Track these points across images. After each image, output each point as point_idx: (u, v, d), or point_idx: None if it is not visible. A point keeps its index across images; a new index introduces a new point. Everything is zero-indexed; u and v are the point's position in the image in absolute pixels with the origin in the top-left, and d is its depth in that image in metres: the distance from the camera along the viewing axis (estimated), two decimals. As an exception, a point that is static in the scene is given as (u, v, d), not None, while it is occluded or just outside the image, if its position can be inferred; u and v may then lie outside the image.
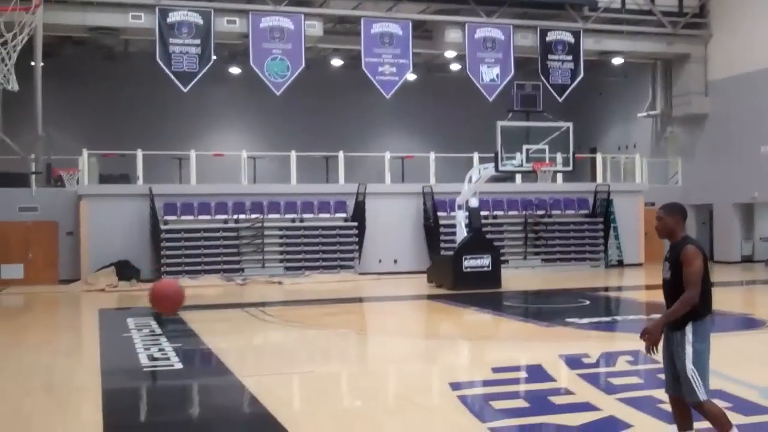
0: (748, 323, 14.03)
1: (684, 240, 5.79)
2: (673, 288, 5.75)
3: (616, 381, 8.95)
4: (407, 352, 12.26)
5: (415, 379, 9.79)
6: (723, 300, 18.60)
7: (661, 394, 7.93)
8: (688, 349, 5.67)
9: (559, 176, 26.31)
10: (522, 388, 9.04)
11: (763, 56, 25.69)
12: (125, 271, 22.68)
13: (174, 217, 23.73)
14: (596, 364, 10.10)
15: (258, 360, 11.61)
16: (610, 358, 10.58)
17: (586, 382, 8.84)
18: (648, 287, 22.29)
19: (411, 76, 27.28)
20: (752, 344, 11.79)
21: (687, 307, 5.62)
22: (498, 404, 7.89)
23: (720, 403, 7.49)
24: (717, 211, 28.33)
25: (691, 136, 29.51)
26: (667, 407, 7.42)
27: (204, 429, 7.73)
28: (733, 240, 28.04)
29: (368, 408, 8.31)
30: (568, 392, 8.39)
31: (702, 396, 5.65)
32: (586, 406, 7.62)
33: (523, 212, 26.46)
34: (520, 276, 24.24)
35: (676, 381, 5.80)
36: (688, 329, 5.69)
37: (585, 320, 14.28)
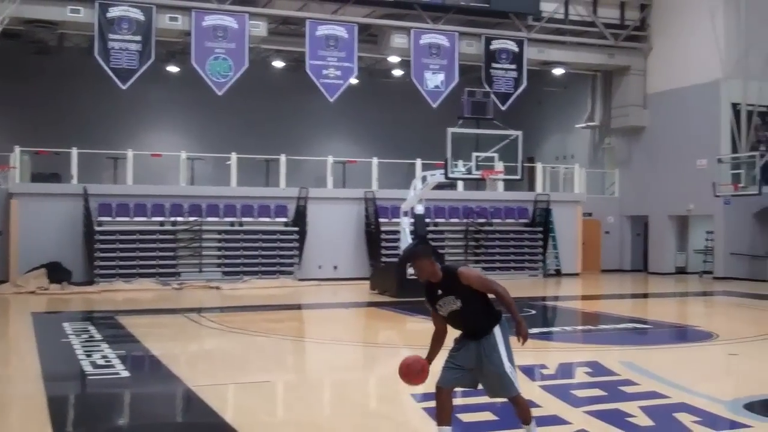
0: (697, 335, 14.13)
1: (447, 269, 5.98)
2: (466, 313, 5.97)
3: (579, 393, 8.85)
4: (363, 360, 12.13)
5: (375, 389, 9.56)
6: (664, 312, 18.89)
7: (628, 407, 7.91)
8: (501, 348, 5.99)
9: (500, 185, 26.39)
10: (486, 399, 8.82)
11: (701, 70, 26.18)
12: (56, 273, 21.84)
13: (109, 218, 23.04)
14: (555, 376, 10.02)
15: (207, 368, 11.22)
16: (567, 369, 10.50)
17: (549, 394, 8.69)
18: (584, 297, 22.54)
19: (355, 80, 27.04)
20: (706, 357, 11.84)
21: (513, 303, 6.03)
22: (465, 417, 7.68)
23: (687, 417, 7.50)
24: (652, 223, 28.77)
25: (628, 147, 29.94)
26: (636, 420, 7.41)
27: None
28: (667, 251, 28.50)
29: (331, 419, 8.05)
30: (533, 404, 8.16)
31: (519, 389, 6.06)
32: (555, 420, 7.50)
33: (464, 220, 26.46)
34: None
35: (463, 379, 6.09)
36: (497, 332, 6.02)
37: (533, 330, 14.16)
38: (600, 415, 7.62)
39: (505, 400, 6.29)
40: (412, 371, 6.06)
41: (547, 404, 8.15)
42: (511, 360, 6.02)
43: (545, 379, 9.63)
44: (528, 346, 12.26)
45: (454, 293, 5.91)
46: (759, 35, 24.50)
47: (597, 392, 8.96)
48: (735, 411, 7.78)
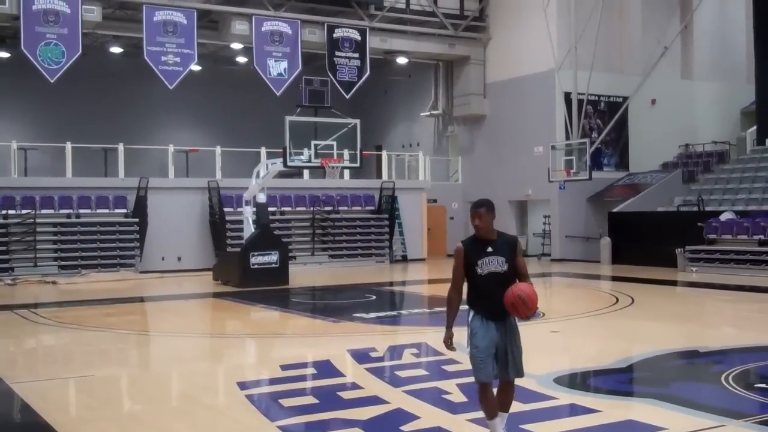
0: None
1: (504, 234, 6.06)
2: (505, 279, 5.88)
3: (403, 374, 9.08)
4: (193, 352, 11.89)
5: (202, 380, 9.46)
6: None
7: (446, 385, 8.18)
8: (518, 330, 6.03)
9: (347, 173, 26.60)
10: (311, 384, 8.95)
11: (536, 60, 27.20)
12: None
13: (-66, 212, 21.82)
14: (383, 358, 10.22)
15: (31, 365, 10.84)
16: (395, 351, 10.77)
17: (373, 375, 8.92)
18: (431, 281, 23.05)
19: (197, 67, 26.59)
20: (529, 334, 12.28)
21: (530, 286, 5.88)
22: (287, 402, 7.77)
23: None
24: (498, 207, 29.61)
25: (470, 135, 30.78)
26: (452, 397, 7.68)
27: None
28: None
29: (153, 411, 7.91)
30: (356, 387, 8.41)
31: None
32: (375, 400, 7.66)
33: (311, 208, 26.53)
34: (308, 272, 24.28)
35: (497, 368, 5.93)
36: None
37: (372, 315, 14.47)
38: (417, 394, 7.86)
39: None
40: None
41: (369, 385, 8.34)
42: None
43: (373, 362, 9.82)
44: (363, 330, 12.59)
45: (505, 256, 5.89)
46: (588, 28, 25.65)
47: (419, 372, 9.25)
48: (545, 384, 8.16)
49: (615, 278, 21.93)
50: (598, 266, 24.79)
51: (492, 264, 5.90)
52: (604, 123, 27.33)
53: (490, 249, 5.92)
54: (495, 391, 6.07)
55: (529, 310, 5.72)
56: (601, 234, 25.94)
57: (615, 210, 25.59)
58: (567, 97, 26.31)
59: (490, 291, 5.87)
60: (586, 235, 26.97)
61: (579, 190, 26.24)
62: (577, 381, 8.88)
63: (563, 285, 21.13)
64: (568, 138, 26.08)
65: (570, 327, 12.99)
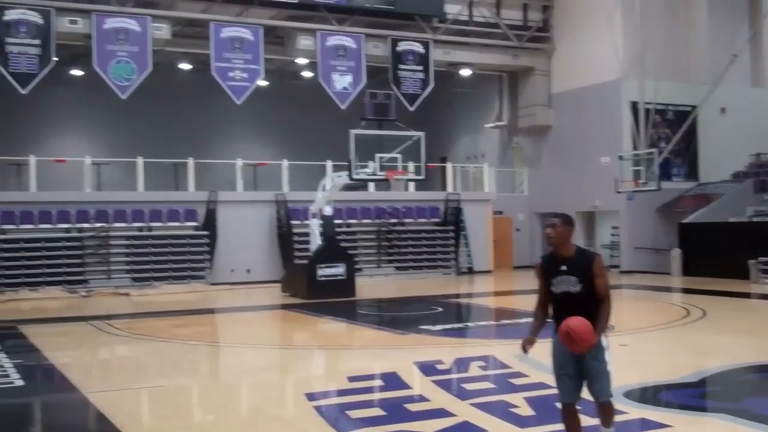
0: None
1: (584, 251, 5.81)
2: (580, 300, 5.68)
3: (470, 386, 9.06)
4: (262, 363, 12.06)
5: (271, 391, 9.60)
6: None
7: (513, 398, 8.15)
8: (605, 351, 5.76)
9: (411, 185, 26.67)
10: (378, 396, 9.01)
11: (602, 70, 26.92)
12: (-42, 283, 21.32)
13: (12, 226, 22.52)
14: (450, 371, 10.21)
15: (105, 375, 11.14)
16: (462, 364, 10.74)
17: (440, 388, 8.91)
18: (497, 293, 22.95)
19: (263, 82, 27.00)
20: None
21: (609, 318, 5.69)
22: (354, 413, 7.83)
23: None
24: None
25: (536, 146, 30.59)
26: (519, 411, 7.65)
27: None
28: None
29: (223, 421, 8.06)
30: (423, 399, 8.43)
31: (612, 393, 5.85)
32: (442, 413, 7.66)
33: (377, 220, 26.66)
34: (374, 284, 24.38)
35: (579, 387, 5.82)
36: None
37: (438, 327, 14.48)
38: (484, 407, 7.84)
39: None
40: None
41: (436, 398, 8.35)
42: (610, 362, 5.81)
43: (439, 374, 9.83)
44: (430, 342, 12.60)
45: (579, 276, 5.66)
46: (654, 36, 25.31)
47: (486, 385, 9.23)
48: (615, 398, 7.99)
49: (686, 290, 21.53)
50: (668, 278, 24.37)
51: (564, 284, 5.72)
52: (672, 132, 26.86)
53: (563, 267, 5.73)
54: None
55: (578, 347, 5.53)
56: (671, 245, 25.50)
57: (685, 221, 25.15)
58: (634, 106, 25.94)
59: (565, 310, 5.71)
60: (656, 247, 26.53)
61: (648, 200, 25.84)
62: (648, 395, 8.74)
63: (633, 297, 20.81)
64: (635, 148, 25.71)
65: (640, 340, 12.80)
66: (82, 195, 24.07)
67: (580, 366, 5.75)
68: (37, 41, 22.60)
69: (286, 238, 24.98)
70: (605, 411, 5.88)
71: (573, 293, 5.69)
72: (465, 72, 29.72)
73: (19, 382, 9.90)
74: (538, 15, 29.35)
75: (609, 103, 26.85)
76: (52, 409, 9.03)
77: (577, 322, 5.52)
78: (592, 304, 5.69)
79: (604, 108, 27.06)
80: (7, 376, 10.26)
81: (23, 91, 22.68)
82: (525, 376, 9.32)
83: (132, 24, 23.53)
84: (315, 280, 19.95)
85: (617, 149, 25.98)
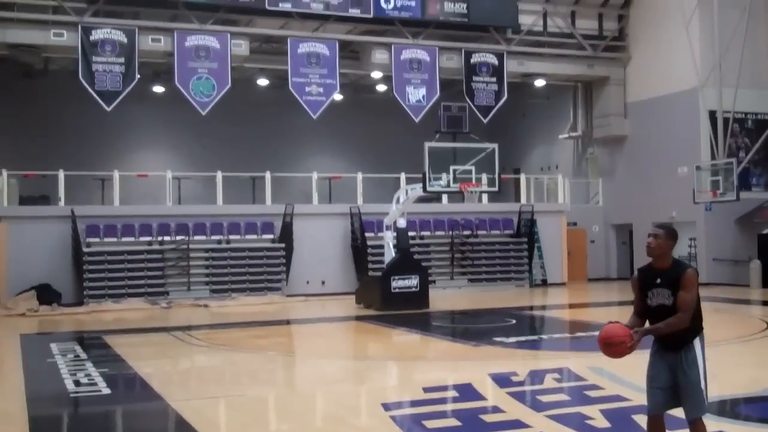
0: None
1: (679, 263, 5.75)
2: (674, 313, 5.63)
3: (544, 398, 9.09)
4: (337, 373, 12.25)
5: (347, 400, 9.79)
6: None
7: (589, 410, 8.16)
8: (700, 364, 5.67)
9: (485, 197, 26.70)
10: (453, 407, 9.10)
11: (678, 79, 26.57)
12: (46, 295, 22.08)
13: (97, 240, 23.26)
14: (524, 382, 10.24)
15: (187, 384, 11.47)
16: (537, 376, 10.75)
17: (515, 399, 8.97)
18: (571, 306, 22.78)
19: (338, 96, 27.40)
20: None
21: (672, 329, 5.60)
22: (430, 423, 7.93)
23: (645, 418, 7.75)
24: (637, 231, 29.04)
25: (611, 157, 30.29)
26: (595, 423, 7.67)
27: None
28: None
29: (301, 430, 8.28)
30: (498, 410, 8.49)
31: (705, 410, 5.74)
32: (517, 424, 7.72)
33: (450, 232, 26.73)
34: (448, 296, 24.45)
35: (669, 400, 5.76)
36: (697, 344, 5.71)
37: (512, 339, 14.49)
38: (560, 419, 7.87)
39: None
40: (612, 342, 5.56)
41: (511, 409, 8.41)
42: (705, 377, 5.71)
43: (514, 386, 9.87)
44: (504, 354, 12.63)
45: (671, 288, 5.62)
46: (732, 44, 24.90)
47: (562, 397, 9.24)
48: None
49: (765, 303, 21.05)
50: (747, 290, 23.86)
51: (659, 297, 5.69)
52: (751, 141, 26.34)
53: (658, 280, 5.69)
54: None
55: (614, 353, 5.54)
56: (750, 257, 24.96)
57: (765, 232, 24.58)
58: (712, 115, 25.56)
59: (662, 320, 5.67)
60: (735, 258, 25.98)
61: (726, 211, 25.35)
62: (726, 408, 8.66)
63: (711, 310, 20.28)
64: (713, 158, 25.31)
65: (718, 353, 12.54)
66: (163, 209, 24.74)
67: (673, 380, 5.69)
68: (121, 59, 23.42)
69: (360, 250, 25.25)
70: (695, 430, 5.75)
71: (667, 306, 5.66)
72: (539, 83, 29.65)
73: (106, 390, 10.26)
74: (613, 24, 29.13)
75: (686, 112, 26.47)
76: (137, 417, 9.36)
77: (609, 330, 5.57)
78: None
79: (682, 117, 26.68)
80: (95, 384, 10.66)
81: (108, 108, 23.52)
82: (601, 388, 9.32)
83: (212, 41, 24.19)
84: (389, 292, 20.13)
85: (695, 159, 25.60)
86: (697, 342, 5.71)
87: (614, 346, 5.54)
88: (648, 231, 5.84)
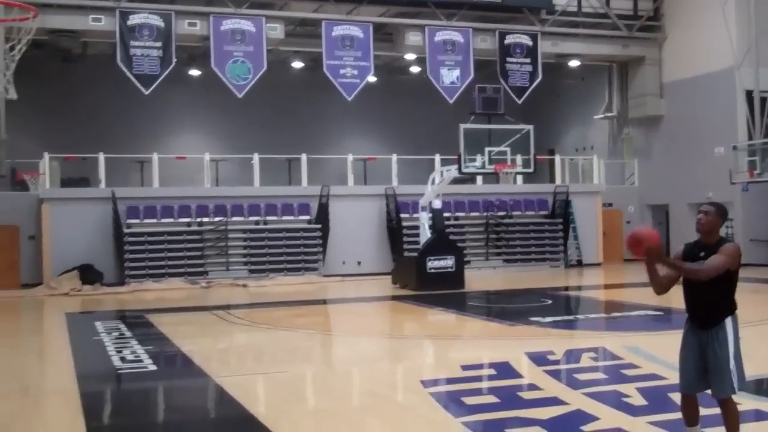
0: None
1: (724, 239, 5.77)
2: (710, 285, 5.61)
3: (581, 376, 9.24)
4: (376, 352, 12.49)
5: (387, 378, 10.01)
6: (680, 298, 19.12)
7: (626, 388, 8.31)
8: (731, 344, 5.66)
9: (520, 178, 26.74)
10: (491, 384, 9.29)
11: (715, 58, 26.36)
12: (88, 275, 22.57)
13: (137, 221, 23.69)
14: (561, 361, 10.39)
15: (229, 361, 11.77)
16: (573, 354, 10.90)
17: (552, 378, 9.13)
18: (607, 286, 22.83)
19: (372, 79, 27.52)
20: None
21: (691, 275, 5.59)
22: (469, 400, 8.13)
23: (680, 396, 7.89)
24: (673, 211, 28.95)
25: (646, 137, 30.15)
26: (632, 400, 7.81)
27: (186, 429, 7.88)
28: (688, 239, 28.46)
29: (343, 406, 8.52)
30: (535, 388, 8.65)
31: (736, 389, 5.70)
32: (554, 401, 7.88)
33: (485, 213, 26.83)
34: (483, 276, 24.59)
35: (701, 379, 5.76)
36: (728, 324, 5.69)
37: (548, 319, 14.62)
38: (597, 396, 8.02)
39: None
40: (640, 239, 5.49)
41: (548, 387, 8.57)
42: (736, 358, 5.68)
43: (550, 364, 10.03)
44: (540, 334, 12.77)
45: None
46: (768, 22, 24.66)
47: (598, 375, 9.40)
48: (727, 389, 8.12)
49: (804, 283, 20.97)
50: (785, 271, 23.73)
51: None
52: (789, 121, 26.10)
53: (702, 254, 5.70)
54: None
55: (637, 247, 5.48)
56: (788, 237, 24.81)
57: (804, 212, 24.42)
58: (748, 95, 25.33)
59: (695, 294, 5.74)
60: (772, 239, 25.85)
61: (763, 191, 25.18)
62: (764, 387, 8.75)
63: (748, 290, 20.29)
64: (750, 138, 25.12)
65: (755, 333, 12.66)
66: (201, 190, 25.14)
67: (704, 358, 5.72)
68: (158, 44, 23.74)
69: (395, 231, 25.45)
70: (724, 410, 5.76)
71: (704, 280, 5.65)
72: (573, 63, 29.56)
73: (152, 367, 10.57)
74: (648, 4, 28.93)
75: (722, 92, 26.28)
76: (183, 392, 9.66)
77: (639, 230, 5.58)
78: (721, 290, 5.66)
79: (718, 97, 26.48)
80: (141, 361, 10.98)
81: (146, 92, 23.87)
82: (637, 367, 9.46)
83: (248, 25, 24.43)
84: (425, 272, 20.32)
85: (731, 139, 25.43)
86: (728, 321, 5.70)
87: (643, 242, 5.51)
88: (690, 210, 5.93)
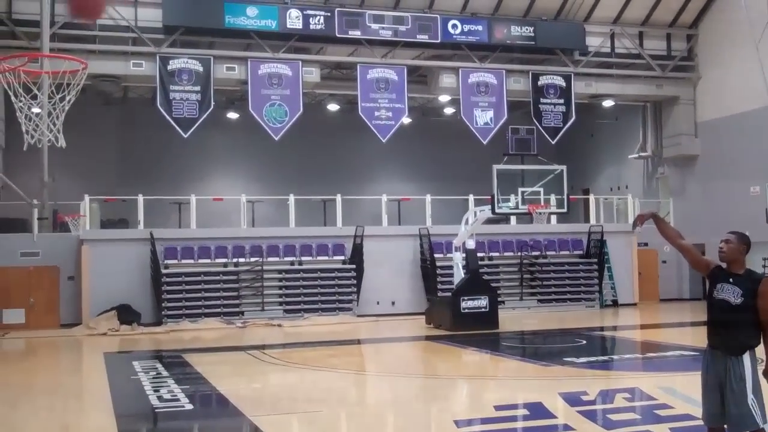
0: None
1: (753, 272, 5.81)
2: (735, 311, 5.66)
3: (615, 417, 9.24)
4: (409, 391, 12.54)
5: (420, 418, 10.06)
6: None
7: (659, 428, 8.31)
8: (748, 379, 5.62)
9: (554, 217, 26.73)
10: (524, 425, 9.32)
11: (750, 97, 26.31)
12: (126, 315, 22.84)
13: (174, 261, 23.97)
14: (595, 401, 10.39)
15: (264, 400, 11.86)
16: (607, 395, 10.88)
17: (585, 418, 9.14)
18: (642, 326, 22.66)
19: (406, 120, 27.81)
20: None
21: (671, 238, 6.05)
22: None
23: None
24: (709, 250, 28.55)
25: (681, 176, 30.05)
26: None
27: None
28: (725, 279, 28.30)
29: (377, 445, 8.60)
30: (569, 428, 8.68)
31: (760, 424, 5.59)
32: (587, 441, 7.92)
33: (519, 253, 26.79)
34: (517, 316, 24.51)
35: (722, 413, 5.71)
36: (746, 359, 5.67)
37: (582, 359, 14.58)
38: (630, 437, 8.05)
39: None
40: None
41: (582, 427, 8.60)
42: (756, 392, 5.63)
43: (584, 405, 10.02)
44: (574, 374, 12.74)
45: (744, 290, 5.66)
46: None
47: (632, 416, 9.38)
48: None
49: None
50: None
51: (728, 292, 5.72)
52: (827, 159, 25.90)
53: (731, 280, 5.76)
54: None
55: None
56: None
57: (843, 251, 24.11)
58: (785, 133, 25.22)
59: (718, 319, 5.75)
60: (812, 278, 25.48)
61: (801, 230, 24.94)
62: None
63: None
64: (787, 176, 24.96)
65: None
66: (238, 231, 25.42)
67: (723, 390, 5.68)
68: (197, 88, 24.24)
69: (429, 271, 25.50)
70: None
71: (732, 304, 5.69)
72: (607, 103, 29.65)
73: (189, 406, 10.74)
74: (682, 44, 29.01)
75: (758, 131, 26.17)
76: (218, 429, 9.79)
77: None
78: (748, 322, 5.65)
79: (753, 136, 26.38)
80: (178, 400, 11.15)
81: (185, 135, 24.35)
82: (671, 407, 9.44)
83: (284, 69, 24.89)
84: (459, 312, 20.34)
85: (767, 178, 25.26)
86: (746, 356, 5.68)
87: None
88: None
